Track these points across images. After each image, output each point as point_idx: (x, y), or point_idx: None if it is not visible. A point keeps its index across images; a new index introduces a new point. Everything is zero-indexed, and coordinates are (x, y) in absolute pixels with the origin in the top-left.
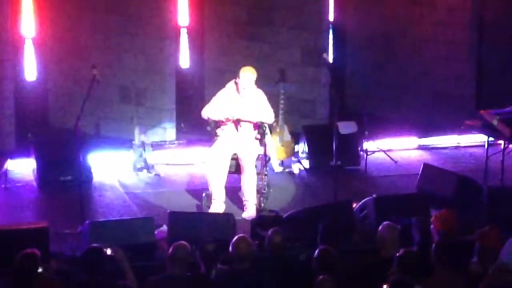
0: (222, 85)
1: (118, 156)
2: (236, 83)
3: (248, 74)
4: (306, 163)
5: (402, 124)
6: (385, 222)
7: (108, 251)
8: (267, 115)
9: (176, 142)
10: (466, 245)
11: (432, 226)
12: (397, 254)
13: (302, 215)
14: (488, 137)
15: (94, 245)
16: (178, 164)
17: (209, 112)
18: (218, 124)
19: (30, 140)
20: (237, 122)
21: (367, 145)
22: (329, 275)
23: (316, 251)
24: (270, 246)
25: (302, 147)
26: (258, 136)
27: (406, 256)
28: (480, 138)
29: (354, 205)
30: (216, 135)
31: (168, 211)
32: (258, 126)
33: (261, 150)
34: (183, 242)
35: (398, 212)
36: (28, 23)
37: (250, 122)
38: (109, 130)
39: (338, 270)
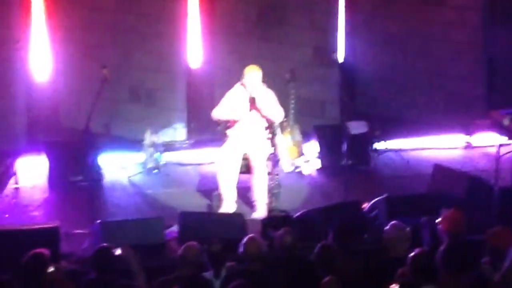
0: (232, 85)
1: (128, 156)
2: (243, 84)
3: (253, 73)
4: (317, 163)
5: (413, 123)
6: (393, 222)
7: (118, 251)
8: (277, 113)
9: (187, 142)
10: (476, 245)
11: (439, 227)
12: (410, 255)
13: (312, 215)
14: (499, 137)
15: (104, 245)
16: (189, 164)
17: (219, 112)
18: (228, 124)
19: (41, 140)
20: (253, 101)
21: (378, 145)
22: (329, 272)
23: (317, 247)
24: (280, 246)
25: (313, 147)
26: (269, 136)
27: (419, 257)
28: (490, 138)
29: (365, 205)
30: (226, 135)
31: (179, 211)
32: (269, 126)
33: (271, 150)
34: (193, 242)
35: (408, 212)
36: (39, 24)
37: (261, 113)
38: (120, 130)
39: (339, 267)
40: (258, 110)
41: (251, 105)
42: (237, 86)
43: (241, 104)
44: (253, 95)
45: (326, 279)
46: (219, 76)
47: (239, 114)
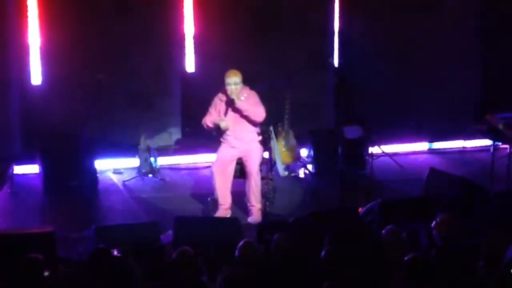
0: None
1: (123, 160)
2: (225, 89)
3: (231, 77)
4: (311, 168)
5: (408, 128)
6: (389, 226)
7: (115, 252)
8: (257, 113)
9: (173, 145)
10: (472, 250)
11: (434, 232)
12: (405, 259)
13: (308, 220)
14: (494, 142)
15: (101, 246)
16: (184, 168)
17: (207, 120)
18: (221, 130)
19: (36, 145)
20: (231, 102)
21: (373, 149)
22: (336, 277)
23: (323, 252)
24: (276, 251)
25: (307, 152)
26: (264, 140)
27: (414, 261)
28: (486, 143)
29: (360, 209)
30: (221, 140)
31: (174, 215)
32: (264, 131)
33: (266, 155)
34: (187, 247)
35: (404, 216)
36: (34, 28)
37: (240, 114)
38: (115, 134)
39: (345, 272)
40: (237, 111)
41: (230, 107)
42: (222, 91)
43: (224, 109)
44: (232, 97)
45: (326, 284)
46: (214, 81)
47: (224, 121)
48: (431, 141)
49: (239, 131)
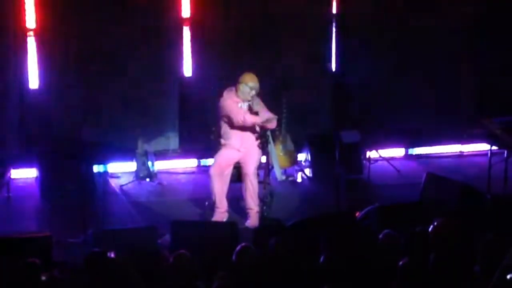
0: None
1: (121, 164)
2: (236, 90)
3: (255, 81)
4: (309, 172)
5: (406, 132)
6: (386, 231)
7: (111, 255)
8: (275, 122)
9: (170, 149)
10: (468, 254)
11: (431, 236)
12: (400, 263)
13: (305, 224)
14: (491, 146)
15: (96, 249)
16: (181, 172)
17: (255, 120)
18: (221, 133)
19: (34, 149)
20: (250, 109)
21: (370, 154)
22: (334, 282)
23: (322, 258)
24: (273, 255)
25: (305, 156)
26: (261, 145)
27: (409, 266)
28: (483, 147)
29: (357, 214)
30: (219, 144)
31: (171, 220)
32: (261, 135)
33: (264, 159)
34: (183, 251)
35: (401, 221)
36: (31, 32)
37: (267, 122)
38: (113, 138)
39: (343, 278)
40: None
41: (258, 116)
42: (230, 91)
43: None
44: (251, 104)
45: None
46: (211, 85)
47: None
48: (428, 145)
49: (245, 135)
